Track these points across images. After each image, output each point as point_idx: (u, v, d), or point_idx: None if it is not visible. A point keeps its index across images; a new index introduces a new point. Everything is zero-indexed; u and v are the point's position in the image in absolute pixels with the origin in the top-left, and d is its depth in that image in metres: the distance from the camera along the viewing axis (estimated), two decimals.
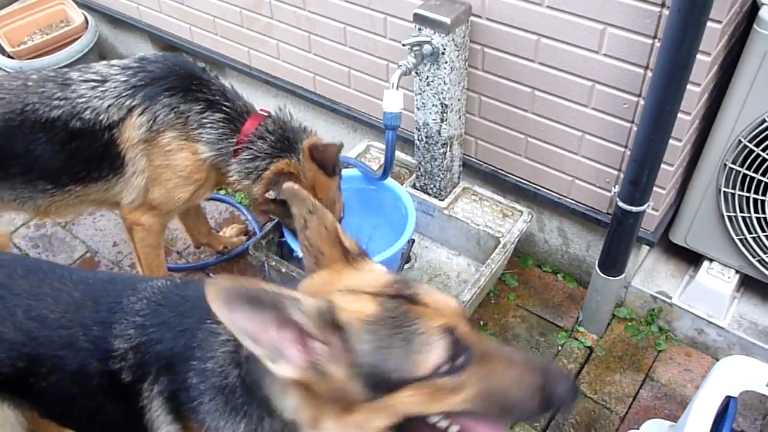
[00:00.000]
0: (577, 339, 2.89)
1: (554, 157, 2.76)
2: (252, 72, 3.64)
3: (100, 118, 2.39)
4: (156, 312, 1.67)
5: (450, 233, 3.10)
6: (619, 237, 2.52)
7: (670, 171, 2.48)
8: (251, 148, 2.45)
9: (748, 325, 2.70)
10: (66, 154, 2.42)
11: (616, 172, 2.62)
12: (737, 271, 2.71)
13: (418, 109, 2.77)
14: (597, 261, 2.70)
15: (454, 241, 3.11)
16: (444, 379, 1.24)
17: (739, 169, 2.40)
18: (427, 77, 2.63)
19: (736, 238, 2.55)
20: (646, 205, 2.39)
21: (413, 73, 2.60)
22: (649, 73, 2.30)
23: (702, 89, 2.28)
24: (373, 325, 1.23)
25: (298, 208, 1.42)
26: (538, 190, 2.91)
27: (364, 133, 3.41)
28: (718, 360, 2.45)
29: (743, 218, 2.49)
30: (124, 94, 2.40)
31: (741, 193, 2.45)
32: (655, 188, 2.41)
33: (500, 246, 2.83)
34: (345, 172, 2.78)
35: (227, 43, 3.64)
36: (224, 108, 2.46)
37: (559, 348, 2.87)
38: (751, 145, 2.33)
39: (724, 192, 2.48)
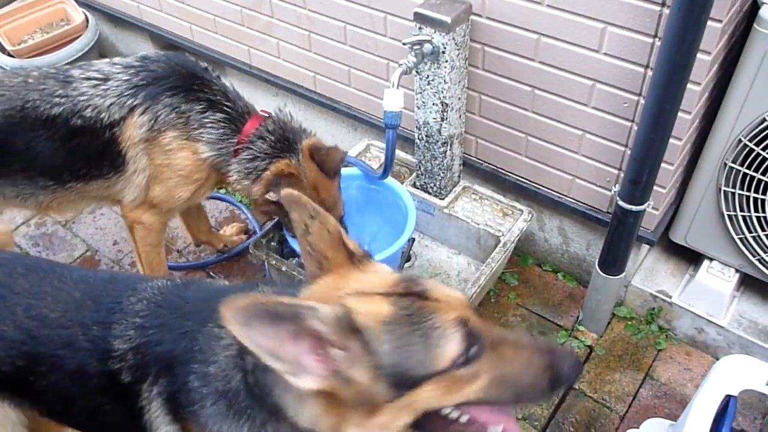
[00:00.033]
0: (577, 338, 2.89)
1: (554, 156, 2.76)
2: (252, 71, 3.64)
3: (102, 116, 2.39)
4: (156, 313, 1.66)
5: (450, 232, 3.10)
6: (619, 236, 2.53)
7: (670, 170, 2.48)
8: (251, 149, 2.45)
9: (748, 324, 2.71)
10: (66, 152, 2.43)
11: (616, 171, 2.62)
12: (737, 270, 2.71)
13: (419, 108, 2.77)
14: (597, 260, 2.70)
15: (454, 240, 3.11)
16: (461, 370, 1.27)
17: (740, 168, 2.40)
18: (428, 76, 2.63)
19: (736, 237, 2.56)
20: (646, 204, 2.39)
21: (414, 72, 2.60)
22: (650, 72, 2.30)
23: (702, 88, 2.28)
24: (391, 324, 1.24)
25: (299, 214, 1.41)
26: (539, 189, 2.91)
27: (365, 131, 3.41)
28: (717, 359, 2.45)
29: (743, 217, 2.49)
30: (126, 93, 2.40)
31: (741, 192, 2.45)
32: (655, 187, 2.41)
33: (500, 245, 2.83)
34: (345, 171, 2.79)
35: (228, 42, 3.64)
36: (225, 108, 2.46)
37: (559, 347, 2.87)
38: (751, 144, 2.33)
39: (725, 191, 2.49)
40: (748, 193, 2.43)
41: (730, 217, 2.53)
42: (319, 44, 3.22)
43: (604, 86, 2.44)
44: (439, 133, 2.78)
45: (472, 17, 2.57)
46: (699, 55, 2.07)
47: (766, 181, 2.35)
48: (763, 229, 2.46)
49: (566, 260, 3.12)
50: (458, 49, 2.56)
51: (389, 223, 2.90)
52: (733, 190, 2.46)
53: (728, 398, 1.98)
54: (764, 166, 2.33)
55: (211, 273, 3.28)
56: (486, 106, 2.82)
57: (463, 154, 3.03)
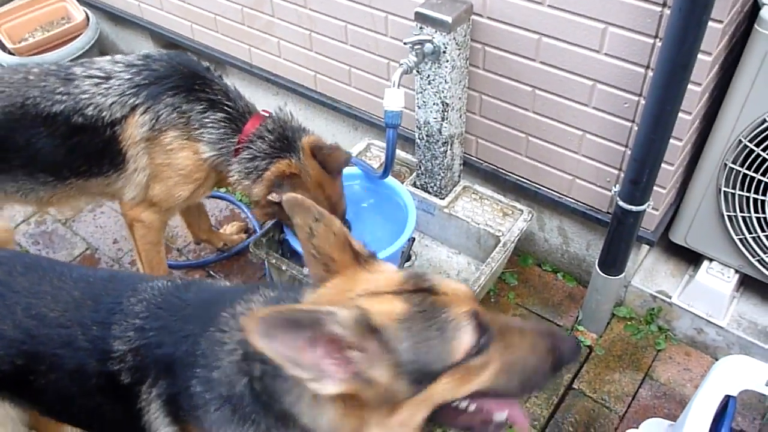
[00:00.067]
0: (576, 338, 2.89)
1: (555, 156, 2.76)
2: (253, 70, 3.64)
3: (103, 114, 2.40)
4: (156, 315, 1.66)
5: (450, 232, 3.10)
6: (619, 236, 2.53)
7: (670, 170, 2.48)
8: (251, 148, 2.46)
9: (748, 325, 2.71)
10: (67, 149, 2.43)
11: (616, 172, 2.62)
12: (737, 271, 2.71)
13: (419, 107, 2.77)
14: (597, 260, 2.70)
15: (454, 239, 3.11)
16: (474, 360, 1.30)
17: (740, 168, 2.40)
18: (428, 76, 2.63)
19: (735, 237, 2.56)
20: (646, 204, 2.39)
21: (414, 71, 2.60)
22: (650, 73, 2.30)
23: (703, 89, 2.28)
24: (407, 322, 1.25)
25: (302, 217, 1.41)
26: (539, 189, 2.91)
27: (365, 131, 3.41)
28: (717, 359, 2.45)
29: (743, 218, 2.50)
30: (127, 92, 2.40)
31: (741, 192, 2.45)
32: (655, 188, 2.41)
33: (500, 245, 2.84)
34: (345, 170, 2.78)
35: (228, 41, 3.64)
36: (225, 108, 2.46)
37: None
38: (751, 145, 2.33)
39: (724, 192, 2.49)
40: (748, 194, 2.43)
41: (730, 217, 2.53)
42: (320, 43, 3.22)
43: (605, 86, 2.45)
44: (440, 132, 2.79)
45: (473, 17, 2.57)
46: (700, 56, 2.08)
47: (766, 182, 2.36)
48: (762, 230, 2.46)
49: (566, 260, 3.12)
50: (459, 49, 2.56)
51: (389, 223, 2.90)
52: (733, 191, 2.47)
53: (728, 398, 1.99)
54: (764, 166, 2.34)
55: (211, 272, 3.28)
56: (486, 106, 2.83)
57: (464, 154, 3.03)
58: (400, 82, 2.48)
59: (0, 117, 2.36)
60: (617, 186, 2.46)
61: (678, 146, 2.40)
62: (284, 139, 2.47)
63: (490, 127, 2.88)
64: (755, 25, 2.17)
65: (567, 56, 2.47)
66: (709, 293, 2.72)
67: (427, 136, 2.85)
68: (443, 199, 3.05)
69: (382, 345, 1.22)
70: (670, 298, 2.82)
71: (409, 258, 3.03)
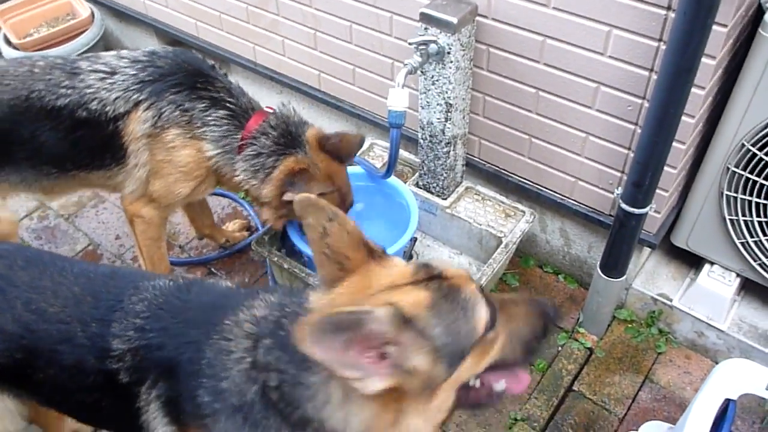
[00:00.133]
0: (577, 340, 2.90)
1: (557, 158, 2.76)
2: (257, 68, 3.65)
3: (107, 109, 2.40)
4: (157, 316, 1.66)
5: (452, 232, 3.10)
6: (621, 239, 2.53)
7: (673, 173, 2.48)
8: (255, 144, 2.45)
9: (748, 329, 2.71)
10: (70, 142, 2.45)
11: (619, 174, 2.62)
12: (738, 275, 2.71)
13: (423, 108, 2.78)
14: (598, 262, 2.70)
15: (456, 240, 3.12)
16: (490, 333, 1.39)
17: (742, 172, 2.41)
18: (432, 76, 2.63)
19: (737, 241, 2.56)
20: (648, 207, 2.40)
21: (418, 71, 2.60)
22: (654, 76, 2.30)
23: (706, 92, 2.28)
24: (435, 308, 1.30)
25: (315, 217, 1.41)
26: (541, 190, 2.91)
27: (368, 131, 3.42)
28: (717, 363, 2.45)
29: (745, 222, 2.50)
30: (131, 88, 2.41)
31: (743, 196, 2.45)
32: (657, 190, 2.42)
33: (502, 246, 2.84)
34: (348, 169, 2.79)
35: (233, 39, 3.65)
36: (228, 105, 2.47)
37: (559, 349, 2.88)
38: (754, 149, 2.33)
39: (727, 195, 2.49)
40: (750, 198, 2.43)
41: (732, 221, 2.54)
42: (325, 43, 3.22)
43: (609, 89, 2.45)
44: (443, 133, 2.79)
45: (478, 18, 2.58)
46: (704, 60, 2.08)
47: None
48: (764, 234, 2.47)
49: (567, 262, 3.13)
50: (463, 50, 2.56)
51: (391, 223, 2.90)
52: (735, 195, 2.47)
53: (728, 402, 1.99)
54: (767, 170, 2.34)
55: (213, 269, 3.29)
56: (490, 107, 2.83)
57: (467, 155, 3.04)
58: (404, 82, 2.48)
59: (5, 110, 2.37)
60: (620, 188, 2.47)
61: (681, 149, 2.41)
62: (288, 135, 2.47)
63: (493, 128, 2.88)
64: (759, 30, 2.17)
65: (571, 58, 2.47)
66: (710, 297, 2.72)
67: (430, 136, 2.86)
68: (445, 199, 3.05)
69: (417, 334, 1.26)
70: (671, 301, 2.83)
71: (410, 258, 3.03)
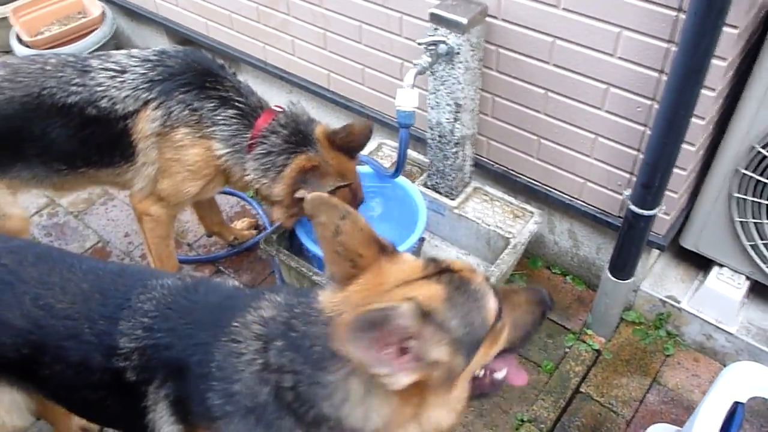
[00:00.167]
0: (585, 341, 2.89)
1: (566, 159, 2.76)
2: (267, 68, 3.66)
3: (116, 107, 2.42)
4: (165, 316, 1.66)
5: (460, 233, 3.10)
6: (629, 240, 2.52)
7: (682, 175, 2.48)
8: (265, 143, 2.46)
9: (757, 332, 2.70)
10: (80, 139, 2.46)
11: (628, 176, 2.62)
12: (747, 277, 2.70)
13: (432, 108, 2.78)
14: (607, 264, 2.70)
15: (464, 240, 3.11)
16: (499, 322, 1.45)
17: (752, 174, 2.40)
18: (442, 76, 2.63)
19: (747, 243, 2.55)
20: (657, 208, 2.39)
21: (428, 72, 2.61)
22: (664, 77, 2.29)
23: (717, 94, 2.27)
24: (450, 300, 1.35)
25: (328, 215, 1.43)
26: (550, 191, 2.91)
27: (377, 130, 3.41)
28: (725, 366, 2.44)
29: (755, 224, 2.49)
30: (141, 87, 2.42)
31: (753, 198, 2.44)
32: (666, 192, 2.41)
33: (510, 246, 2.84)
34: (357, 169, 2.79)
35: (243, 39, 3.66)
36: (236, 104, 2.47)
37: (567, 350, 2.87)
38: (764, 151, 2.32)
39: (736, 197, 2.48)
40: (760, 200, 2.42)
41: (741, 223, 2.53)
42: (334, 43, 3.23)
43: (618, 90, 2.44)
44: (452, 133, 2.79)
45: (488, 19, 2.58)
46: (714, 61, 2.07)
47: None
48: None
49: (576, 263, 3.12)
50: (473, 51, 2.56)
51: (400, 222, 2.90)
52: (745, 197, 2.46)
53: (736, 405, 1.98)
54: None
55: (221, 267, 3.30)
56: (499, 108, 2.83)
57: (475, 155, 3.04)
58: (414, 83, 2.48)
59: (17, 107, 2.39)
60: (629, 190, 2.46)
61: (690, 151, 2.40)
62: (299, 133, 2.47)
63: (502, 128, 2.88)
64: None
65: (580, 59, 2.47)
66: (719, 299, 2.71)
67: (439, 136, 2.86)
68: (454, 199, 3.05)
69: (437, 327, 1.29)
70: (679, 303, 2.82)
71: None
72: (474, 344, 1.38)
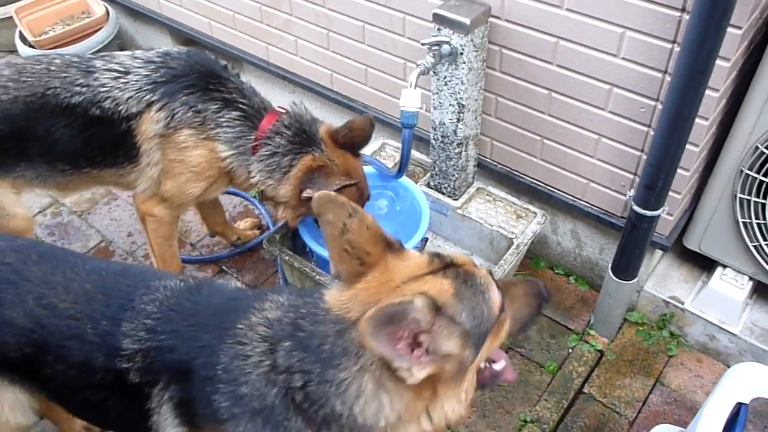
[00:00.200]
0: (588, 342, 2.89)
1: (570, 160, 2.76)
2: (270, 68, 3.66)
3: (120, 108, 2.42)
4: (168, 318, 1.66)
5: (463, 233, 3.10)
6: (633, 241, 2.52)
7: (686, 176, 2.47)
8: (269, 144, 2.46)
9: (760, 332, 2.69)
10: (83, 140, 2.47)
11: (631, 176, 2.62)
12: (751, 278, 2.70)
13: (435, 108, 2.78)
14: (610, 264, 2.70)
15: (467, 240, 3.11)
16: (502, 314, 1.48)
17: (756, 175, 2.39)
18: (445, 77, 2.63)
19: (750, 244, 2.55)
20: (661, 209, 2.39)
21: (431, 72, 2.61)
22: (668, 78, 2.29)
23: (720, 95, 2.27)
24: (458, 294, 1.38)
25: (335, 214, 1.43)
26: (553, 192, 2.91)
27: (380, 130, 3.42)
28: (729, 367, 2.44)
29: (758, 225, 2.49)
30: (144, 88, 2.43)
31: (757, 199, 2.44)
32: (670, 193, 2.41)
33: (513, 247, 2.84)
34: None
35: (246, 39, 3.66)
36: (240, 105, 2.48)
37: (570, 351, 2.87)
38: None
39: (740, 198, 2.48)
40: (763, 201, 2.42)
41: (744, 224, 2.52)
42: (337, 43, 3.23)
43: (622, 91, 2.44)
44: (455, 133, 2.79)
45: (491, 19, 2.58)
46: (718, 62, 2.07)
47: None
48: None
49: (579, 264, 3.12)
50: (476, 51, 2.56)
51: (403, 223, 2.91)
52: (748, 198, 2.46)
53: (739, 406, 1.98)
54: None
55: (224, 267, 3.30)
56: (502, 108, 2.83)
57: (478, 156, 3.04)
58: (417, 83, 2.49)
59: (21, 107, 2.39)
60: (632, 190, 2.46)
61: (694, 152, 2.40)
62: (303, 133, 2.47)
63: (505, 129, 2.88)
64: None
65: (584, 60, 2.46)
66: (722, 300, 2.71)
67: (442, 136, 2.86)
68: (457, 200, 3.05)
69: (449, 320, 1.32)
70: (682, 304, 2.81)
71: None
72: (482, 336, 1.40)
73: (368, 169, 2.96)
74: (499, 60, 2.69)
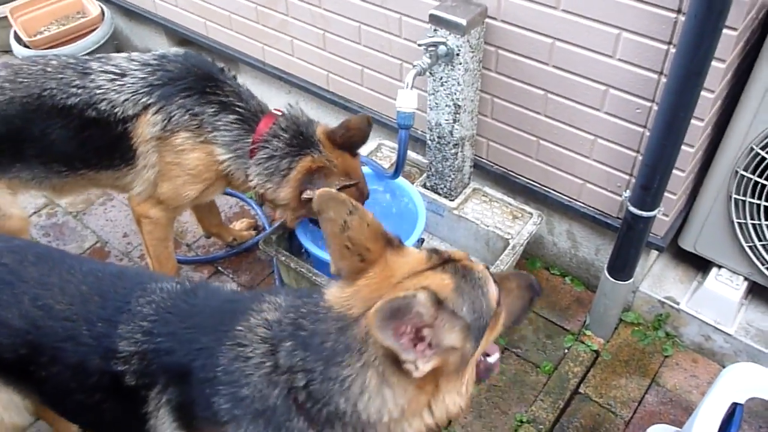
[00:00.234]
0: (583, 342, 2.89)
1: (566, 160, 2.76)
2: (266, 68, 3.66)
3: (116, 110, 2.42)
4: (165, 320, 1.66)
5: (459, 233, 3.10)
6: (628, 241, 2.53)
7: (681, 177, 2.48)
8: (267, 147, 2.46)
9: (756, 333, 2.70)
10: (79, 141, 2.47)
11: (627, 177, 2.62)
12: (746, 279, 2.71)
13: (431, 109, 2.78)
14: (605, 265, 2.70)
15: (463, 241, 3.11)
16: (499, 307, 1.50)
17: (751, 176, 2.40)
18: (441, 78, 2.64)
19: (745, 245, 2.56)
20: (656, 210, 2.39)
21: (427, 73, 2.61)
22: (663, 79, 2.30)
23: (716, 96, 2.28)
24: (458, 289, 1.40)
25: (336, 211, 1.45)
26: (549, 192, 2.91)
27: (376, 131, 3.41)
28: (724, 367, 2.45)
29: (753, 225, 2.49)
30: (141, 91, 2.42)
31: (752, 200, 2.45)
32: (665, 194, 2.41)
33: (509, 247, 2.84)
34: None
35: (242, 39, 3.66)
36: (237, 109, 2.47)
37: (566, 351, 2.88)
38: (763, 153, 2.33)
39: (735, 199, 2.49)
40: (758, 202, 2.43)
41: (740, 224, 2.53)
42: (334, 43, 3.23)
43: (618, 92, 2.45)
44: (451, 134, 2.79)
45: (487, 20, 2.58)
46: (713, 63, 2.08)
47: None
48: None
49: (575, 264, 3.13)
50: (472, 52, 2.56)
51: (399, 223, 2.90)
52: (743, 198, 2.46)
53: (734, 406, 1.99)
54: None
55: (220, 268, 3.30)
56: (498, 109, 2.83)
57: (474, 156, 3.04)
58: (413, 84, 2.49)
59: (18, 108, 2.39)
60: (628, 191, 2.47)
61: (690, 153, 2.40)
62: (300, 135, 2.47)
63: (501, 129, 2.88)
64: None
65: (580, 61, 2.47)
66: (718, 300, 2.72)
67: (438, 137, 2.86)
68: (453, 200, 3.05)
69: (451, 314, 1.34)
70: (678, 304, 2.82)
71: None
72: (482, 329, 1.43)
73: (365, 170, 2.96)
74: (495, 61, 2.69)
